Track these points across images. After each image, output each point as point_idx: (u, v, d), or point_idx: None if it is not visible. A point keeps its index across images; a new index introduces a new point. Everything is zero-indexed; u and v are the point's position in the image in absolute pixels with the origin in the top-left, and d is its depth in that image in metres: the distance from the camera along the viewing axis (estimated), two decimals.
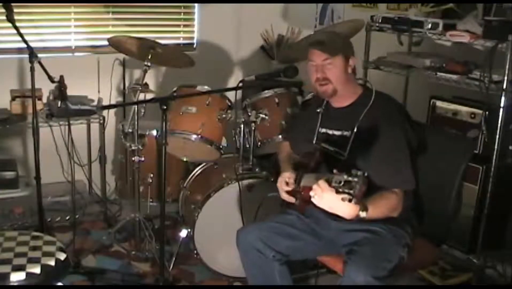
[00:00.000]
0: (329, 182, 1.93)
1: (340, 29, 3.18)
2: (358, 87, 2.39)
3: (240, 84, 2.85)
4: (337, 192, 1.87)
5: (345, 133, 2.33)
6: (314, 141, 2.42)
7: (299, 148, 2.56)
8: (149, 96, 3.29)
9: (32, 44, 2.82)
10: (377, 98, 2.31)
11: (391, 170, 2.21)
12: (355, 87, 2.38)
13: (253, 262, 2.37)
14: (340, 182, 1.86)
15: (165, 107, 2.42)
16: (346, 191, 1.84)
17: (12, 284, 2.01)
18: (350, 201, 1.86)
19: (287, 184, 2.33)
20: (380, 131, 2.23)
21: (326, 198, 1.96)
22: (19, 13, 3.19)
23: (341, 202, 1.90)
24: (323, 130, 2.43)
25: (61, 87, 3.29)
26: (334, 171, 1.93)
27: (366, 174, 1.87)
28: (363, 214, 2.01)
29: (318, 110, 2.45)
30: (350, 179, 1.84)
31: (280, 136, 3.09)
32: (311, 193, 2.01)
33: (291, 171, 2.37)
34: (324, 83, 2.31)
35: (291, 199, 2.33)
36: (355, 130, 2.28)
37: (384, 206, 2.15)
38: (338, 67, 2.29)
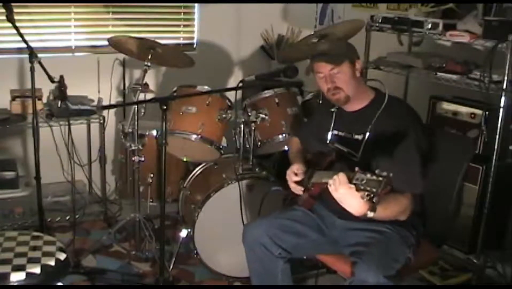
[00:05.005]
0: (350, 178, 1.93)
1: (340, 29, 3.18)
2: (369, 90, 2.38)
3: (240, 84, 2.85)
4: (358, 189, 1.88)
5: (356, 136, 2.33)
6: (328, 141, 2.42)
7: (311, 146, 2.57)
8: (149, 96, 3.29)
9: (32, 44, 2.82)
10: (390, 103, 2.30)
11: (401, 174, 2.15)
12: (366, 91, 2.37)
13: (258, 257, 2.37)
14: (362, 180, 1.86)
15: (165, 107, 2.42)
16: (368, 189, 1.84)
17: (12, 284, 2.01)
18: (371, 199, 1.86)
19: (296, 175, 2.34)
20: (391, 136, 2.21)
21: (341, 191, 1.96)
22: (19, 13, 3.18)
23: (354, 197, 1.91)
24: (335, 132, 2.42)
25: (61, 87, 3.29)
26: (356, 168, 1.92)
27: (391, 175, 1.84)
28: (370, 214, 1.98)
29: (332, 110, 2.44)
30: (374, 178, 1.84)
31: (280, 136, 3.10)
32: (330, 181, 1.99)
33: (302, 164, 2.39)
34: (336, 92, 2.30)
35: (298, 189, 2.34)
36: (367, 134, 2.27)
37: (394, 207, 2.13)
38: (346, 73, 2.28)
